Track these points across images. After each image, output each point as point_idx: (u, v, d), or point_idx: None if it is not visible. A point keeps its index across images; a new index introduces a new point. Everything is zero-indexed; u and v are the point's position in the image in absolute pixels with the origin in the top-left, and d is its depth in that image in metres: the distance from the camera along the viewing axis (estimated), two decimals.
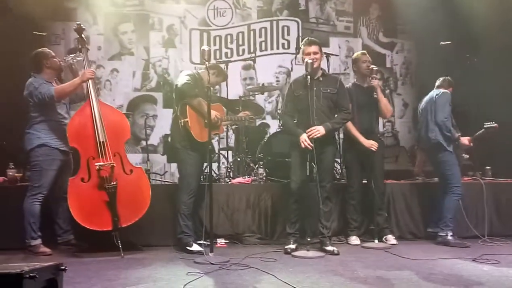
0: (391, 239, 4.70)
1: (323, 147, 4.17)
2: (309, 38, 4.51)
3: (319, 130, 4.06)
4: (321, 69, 4.37)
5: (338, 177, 5.57)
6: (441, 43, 5.26)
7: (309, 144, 4.04)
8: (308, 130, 4.07)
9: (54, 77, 4.27)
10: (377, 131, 4.78)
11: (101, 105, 4.11)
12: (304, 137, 4.08)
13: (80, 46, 4.14)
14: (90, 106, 4.02)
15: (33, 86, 4.09)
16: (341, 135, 5.28)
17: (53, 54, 4.28)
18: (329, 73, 4.66)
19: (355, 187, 4.79)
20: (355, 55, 4.97)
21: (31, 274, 1.88)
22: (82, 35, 4.14)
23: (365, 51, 4.97)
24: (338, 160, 5.57)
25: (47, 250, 4.08)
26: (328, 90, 4.25)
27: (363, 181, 4.86)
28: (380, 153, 4.74)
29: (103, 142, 3.97)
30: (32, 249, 4.08)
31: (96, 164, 3.92)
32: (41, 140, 4.10)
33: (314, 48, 4.24)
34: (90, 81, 4.05)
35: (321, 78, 4.29)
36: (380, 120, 7.49)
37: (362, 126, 4.65)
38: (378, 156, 4.69)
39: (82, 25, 4.15)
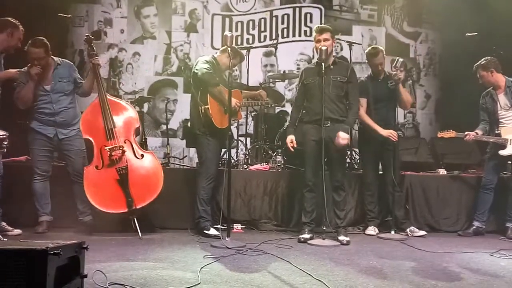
0: (416, 231, 4.63)
1: (333, 136, 4.13)
2: (320, 25, 4.47)
3: (344, 138, 4.06)
4: (334, 56, 4.34)
5: (356, 167, 5.55)
6: (467, 34, 5.16)
7: (292, 147, 4.25)
8: (336, 142, 4.07)
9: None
10: (394, 122, 4.63)
11: (109, 99, 4.32)
12: (289, 140, 4.26)
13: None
14: (99, 99, 4.27)
15: None
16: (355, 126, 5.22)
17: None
18: (341, 61, 4.61)
19: (370, 179, 4.78)
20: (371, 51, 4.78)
21: (55, 251, 1.94)
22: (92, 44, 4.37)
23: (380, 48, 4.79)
24: (356, 150, 5.55)
25: (46, 230, 4.26)
26: (338, 78, 4.22)
27: (379, 172, 4.84)
28: (396, 144, 4.67)
29: (111, 128, 4.20)
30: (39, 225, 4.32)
31: (105, 147, 4.12)
32: (31, 125, 4.38)
33: (325, 35, 4.21)
34: (98, 76, 4.29)
35: (331, 66, 4.25)
36: (401, 111, 7.52)
37: (379, 118, 4.62)
38: (395, 147, 4.63)
39: (90, 36, 4.40)
